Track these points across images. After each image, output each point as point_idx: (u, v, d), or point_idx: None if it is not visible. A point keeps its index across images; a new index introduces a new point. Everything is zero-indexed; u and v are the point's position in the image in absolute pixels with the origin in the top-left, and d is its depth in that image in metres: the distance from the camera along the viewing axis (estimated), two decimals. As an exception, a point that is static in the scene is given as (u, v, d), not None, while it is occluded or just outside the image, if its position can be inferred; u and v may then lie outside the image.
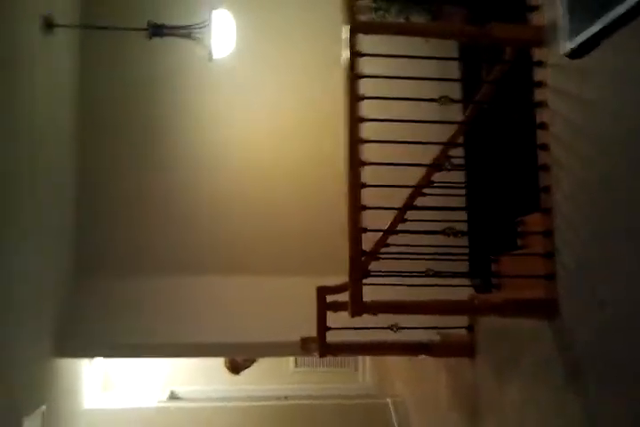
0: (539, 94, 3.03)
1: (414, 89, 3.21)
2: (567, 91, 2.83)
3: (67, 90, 4.89)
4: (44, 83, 4.23)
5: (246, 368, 6.60)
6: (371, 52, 2.93)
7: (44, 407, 4.31)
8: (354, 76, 2.90)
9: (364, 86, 2.93)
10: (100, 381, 6.49)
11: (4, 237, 3.51)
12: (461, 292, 3.49)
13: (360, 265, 3.03)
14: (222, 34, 4.40)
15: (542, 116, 3.01)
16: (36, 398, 4.23)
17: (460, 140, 3.63)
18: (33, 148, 4.02)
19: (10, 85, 3.56)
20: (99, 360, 6.21)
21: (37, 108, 4.08)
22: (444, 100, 2.93)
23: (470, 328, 4.15)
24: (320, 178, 4.99)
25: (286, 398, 6.50)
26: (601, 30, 2.40)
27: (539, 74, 3.03)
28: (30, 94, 3.95)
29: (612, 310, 2.48)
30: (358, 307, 3.01)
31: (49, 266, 4.44)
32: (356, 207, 2.96)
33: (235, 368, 6.57)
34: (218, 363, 6.73)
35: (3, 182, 3.45)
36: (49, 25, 4.13)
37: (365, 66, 2.91)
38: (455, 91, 3.89)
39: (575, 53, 2.63)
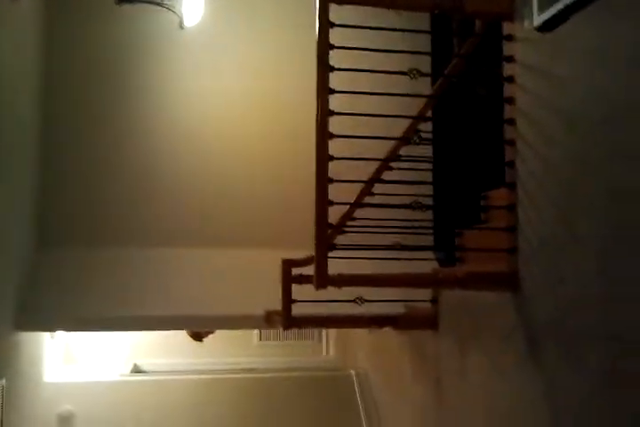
0: (508, 69, 3.03)
1: (385, 62, 3.18)
2: (536, 66, 2.83)
3: (32, 57, 4.76)
4: (8, 49, 4.11)
5: (208, 335, 6.61)
6: (342, 24, 2.89)
7: (3, 381, 4.26)
8: (325, 46, 2.86)
9: (335, 58, 2.89)
10: (61, 354, 6.43)
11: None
12: (425, 265, 3.53)
13: (326, 238, 3.03)
14: (193, 1, 4.31)
15: (510, 90, 3.02)
16: (-5, 370, 4.18)
17: (429, 114, 3.62)
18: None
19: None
20: (60, 334, 6.14)
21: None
22: (414, 73, 2.91)
23: (434, 301, 4.20)
24: (293, 150, 4.96)
25: (251, 370, 6.53)
26: (571, 4, 2.40)
27: (508, 48, 3.03)
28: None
29: (571, 287, 2.52)
30: (323, 280, 3.01)
31: (9, 237, 4.35)
32: (323, 180, 2.95)
33: (197, 335, 6.58)
34: (181, 336, 6.72)
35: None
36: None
37: (336, 37, 2.88)
38: (425, 64, 3.87)
39: (545, 27, 2.63)
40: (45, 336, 5.78)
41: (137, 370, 6.73)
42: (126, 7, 4.39)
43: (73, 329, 5.46)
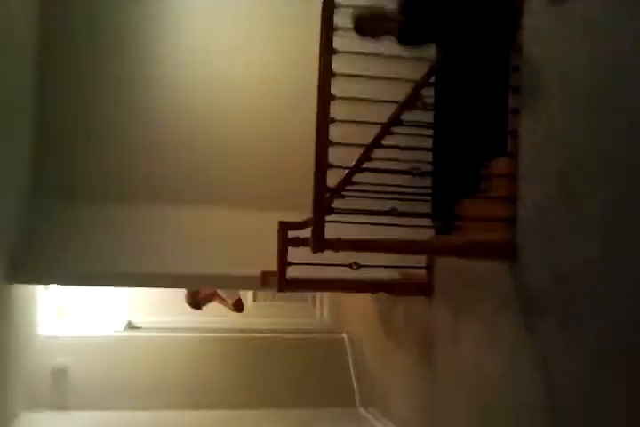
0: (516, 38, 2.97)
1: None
2: (544, 36, 2.78)
3: (29, 10, 4.67)
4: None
5: (207, 303, 6.66)
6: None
7: (-3, 333, 4.29)
8: (330, 5, 2.80)
9: (339, 18, 2.84)
10: (56, 308, 6.47)
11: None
12: (422, 233, 3.52)
13: (324, 202, 3.02)
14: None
15: (517, 59, 2.97)
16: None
17: (432, 79, 3.56)
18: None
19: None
20: (55, 288, 6.17)
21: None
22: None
23: (429, 268, 4.21)
24: (293, 112, 4.90)
25: (244, 330, 6.58)
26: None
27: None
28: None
29: (570, 256, 2.52)
30: (320, 243, 3.02)
31: (4, 190, 4.32)
32: (323, 143, 2.92)
33: (195, 303, 6.63)
34: (177, 294, 6.76)
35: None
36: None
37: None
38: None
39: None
40: (40, 290, 5.81)
41: (131, 326, 6.78)
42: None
43: (67, 283, 5.47)
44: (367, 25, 3.19)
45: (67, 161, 4.87)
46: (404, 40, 3.21)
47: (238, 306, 6.69)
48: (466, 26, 3.11)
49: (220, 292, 6.56)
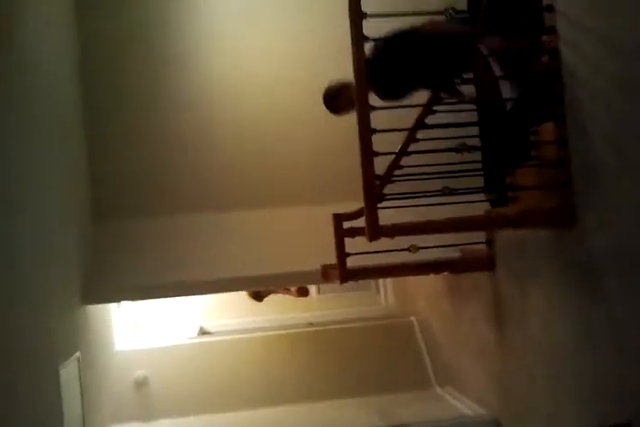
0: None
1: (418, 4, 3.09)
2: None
3: (68, 21, 4.79)
4: (44, 13, 4.14)
5: (269, 295, 6.73)
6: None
7: (78, 353, 4.42)
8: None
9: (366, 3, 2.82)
10: (130, 323, 6.63)
11: (18, 192, 3.49)
12: (478, 208, 3.49)
13: (374, 190, 3.01)
14: None
15: (551, 20, 2.91)
16: (69, 345, 4.33)
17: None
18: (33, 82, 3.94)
19: (7, 20, 3.47)
20: (127, 303, 6.32)
21: (36, 43, 4.00)
22: (450, 11, 2.82)
23: (489, 243, 4.17)
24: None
25: (312, 324, 6.63)
26: None
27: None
28: (33, 27, 3.88)
29: (629, 215, 2.47)
30: (375, 231, 3.01)
31: (67, 214, 4.45)
32: (367, 130, 2.92)
33: (257, 296, 6.71)
34: (241, 296, 6.85)
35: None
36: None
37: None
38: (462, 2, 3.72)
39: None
40: (113, 307, 5.96)
41: (203, 332, 6.91)
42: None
43: (137, 298, 5.61)
44: (338, 100, 3.28)
45: (123, 177, 4.98)
46: (386, 98, 3.28)
47: (302, 291, 6.70)
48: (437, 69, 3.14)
49: None
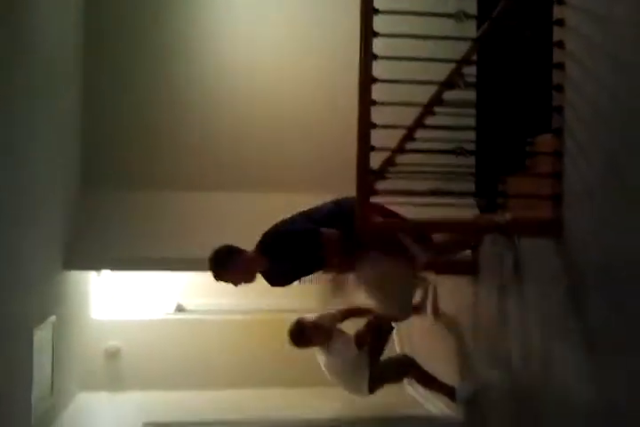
0: (558, 12, 2.92)
1: (430, 4, 3.09)
2: (587, 8, 2.73)
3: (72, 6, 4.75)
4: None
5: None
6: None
7: (53, 318, 4.43)
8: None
9: (378, 1, 2.82)
10: (108, 293, 6.63)
11: (11, 147, 3.48)
12: (466, 212, 3.51)
13: (367, 184, 3.02)
14: None
15: (560, 34, 2.92)
16: (46, 308, 4.34)
17: (474, 57, 3.52)
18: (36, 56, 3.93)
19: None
20: (107, 273, 6.32)
21: (40, 24, 3.98)
22: (461, 15, 2.82)
23: (474, 247, 4.19)
24: (340, 98, 4.89)
25: (294, 311, 6.61)
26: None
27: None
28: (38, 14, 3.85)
29: (617, 234, 2.49)
30: (365, 225, 3.03)
31: (54, 178, 4.43)
32: (366, 125, 2.92)
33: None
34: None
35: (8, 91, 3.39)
36: None
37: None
38: (472, 6, 3.73)
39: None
40: (92, 275, 5.96)
41: (180, 309, 6.91)
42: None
43: (118, 268, 5.61)
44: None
45: (112, 150, 4.97)
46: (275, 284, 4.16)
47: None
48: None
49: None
